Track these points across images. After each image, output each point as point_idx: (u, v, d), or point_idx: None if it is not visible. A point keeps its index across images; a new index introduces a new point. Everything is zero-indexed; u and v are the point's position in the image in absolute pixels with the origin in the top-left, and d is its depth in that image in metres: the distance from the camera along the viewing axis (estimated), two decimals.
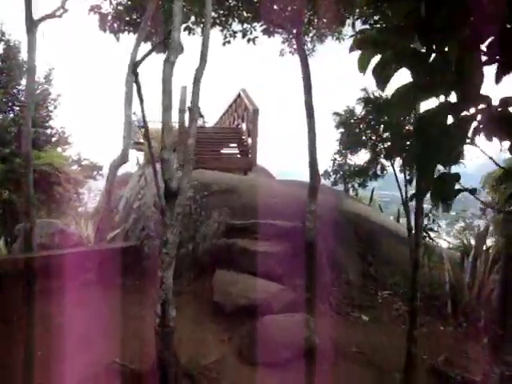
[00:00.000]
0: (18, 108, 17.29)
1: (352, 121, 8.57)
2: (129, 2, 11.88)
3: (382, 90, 2.68)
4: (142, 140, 18.82)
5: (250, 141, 14.58)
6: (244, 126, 15.91)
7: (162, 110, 4.99)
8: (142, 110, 5.84)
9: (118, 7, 11.78)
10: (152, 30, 12.53)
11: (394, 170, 8.31)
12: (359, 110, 8.61)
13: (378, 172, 8.61)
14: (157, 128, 19.83)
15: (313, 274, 7.74)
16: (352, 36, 7.22)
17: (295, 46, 10.68)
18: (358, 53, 2.32)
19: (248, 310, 6.69)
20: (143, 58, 7.62)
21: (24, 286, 7.57)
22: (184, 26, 9.71)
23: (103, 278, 8.31)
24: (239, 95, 16.34)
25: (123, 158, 11.27)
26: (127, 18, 12.23)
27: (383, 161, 8.46)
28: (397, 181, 8.26)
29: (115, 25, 12.28)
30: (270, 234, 8.18)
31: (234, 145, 15.69)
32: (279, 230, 8.22)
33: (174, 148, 12.46)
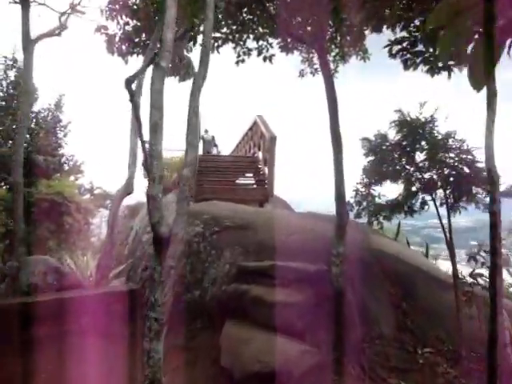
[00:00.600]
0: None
1: (384, 147, 7.24)
2: (138, 23, 10.84)
3: (479, 90, 1.98)
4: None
5: (266, 170, 13.30)
6: (260, 155, 14.65)
7: (149, 128, 3.73)
8: (140, 132, 4.63)
9: (126, 28, 10.70)
10: None
11: (435, 204, 6.94)
12: (392, 135, 7.32)
13: (416, 207, 7.23)
14: (171, 156, 18.73)
15: (341, 328, 6.34)
16: (388, 46, 5.95)
17: (316, 66, 9.47)
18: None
19: (262, 379, 5.30)
20: (136, 74, 6.42)
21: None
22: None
23: (96, 327, 6.98)
24: (255, 122, 15.12)
25: (127, 188, 10.06)
26: (136, 40, 11.19)
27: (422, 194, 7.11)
28: (439, 218, 6.87)
29: (123, 47, 11.24)
30: (290, 279, 6.79)
31: (250, 174, 14.41)
32: (300, 275, 6.83)
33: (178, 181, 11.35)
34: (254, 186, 13.76)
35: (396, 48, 5.85)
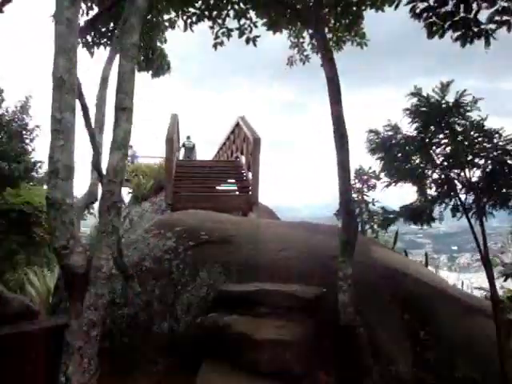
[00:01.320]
0: None
1: (395, 141, 5.69)
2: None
3: None
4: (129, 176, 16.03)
5: (250, 175, 11.71)
6: (243, 159, 13.07)
7: (51, 99, 2.15)
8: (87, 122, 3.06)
9: (90, 12, 8.99)
10: None
11: (465, 211, 5.38)
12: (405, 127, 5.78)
13: (436, 215, 5.68)
14: (147, 163, 17.06)
15: (350, 370, 4.78)
16: (412, 2, 4.41)
17: (306, 53, 7.96)
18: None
19: None
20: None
21: None
22: None
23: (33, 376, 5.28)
24: (237, 124, 13.54)
25: (90, 197, 8.38)
26: (103, 29, 9.55)
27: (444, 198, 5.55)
28: (471, 228, 5.31)
29: (88, 37, 9.59)
30: (283, 307, 5.19)
31: (232, 180, 12.80)
32: (296, 301, 5.23)
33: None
34: (237, 192, 12.17)
35: (421, 6, 4.33)
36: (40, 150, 15.76)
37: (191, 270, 6.27)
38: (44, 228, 16.09)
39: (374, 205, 11.75)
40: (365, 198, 11.67)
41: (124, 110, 2.40)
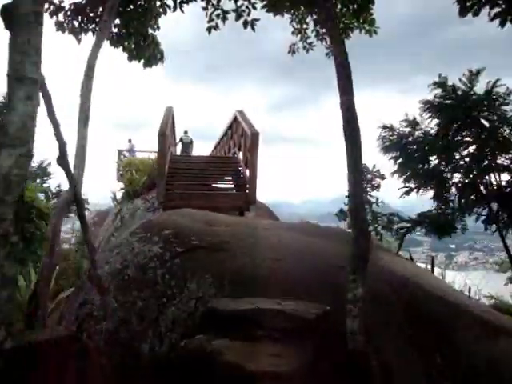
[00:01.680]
0: None
1: (410, 139, 4.86)
2: None
3: None
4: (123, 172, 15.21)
5: (247, 172, 10.91)
6: (241, 155, 12.27)
7: None
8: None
9: None
10: (123, 32, 9.01)
11: (498, 224, 4.57)
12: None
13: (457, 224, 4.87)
14: (142, 158, 16.25)
15: None
16: None
17: (310, 40, 7.14)
18: None
19: None
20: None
21: None
22: None
23: None
24: (235, 118, 12.70)
25: (74, 194, 7.55)
26: (91, 14, 8.73)
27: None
28: (503, 240, 4.52)
29: (75, 22, 8.81)
30: (281, 329, 4.40)
31: (229, 178, 12.00)
32: (295, 323, 4.45)
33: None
34: (234, 190, 11.38)
35: None
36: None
37: (178, 280, 5.46)
38: (35, 224, 15.33)
39: (378, 205, 11.01)
40: (369, 198, 10.88)
41: (21, 81, 1.55)
